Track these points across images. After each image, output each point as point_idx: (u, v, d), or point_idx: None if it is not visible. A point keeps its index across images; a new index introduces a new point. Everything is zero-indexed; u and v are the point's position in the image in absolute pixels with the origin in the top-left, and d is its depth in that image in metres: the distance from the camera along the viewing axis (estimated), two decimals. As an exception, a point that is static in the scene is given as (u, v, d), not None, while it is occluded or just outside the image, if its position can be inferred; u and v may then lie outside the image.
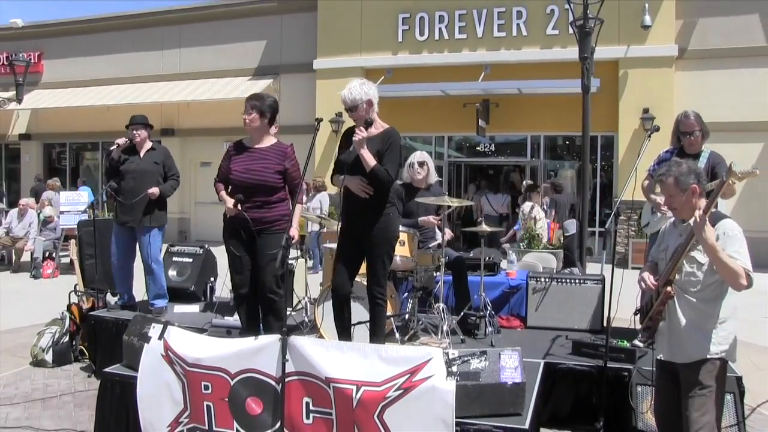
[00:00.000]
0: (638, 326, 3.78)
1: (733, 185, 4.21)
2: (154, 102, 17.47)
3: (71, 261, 8.77)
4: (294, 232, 4.70)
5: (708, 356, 3.30)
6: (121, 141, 6.19)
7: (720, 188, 3.21)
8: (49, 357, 6.21)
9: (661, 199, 5.04)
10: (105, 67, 19.63)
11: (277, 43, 18.03)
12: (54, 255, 12.64)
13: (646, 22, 14.20)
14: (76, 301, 6.54)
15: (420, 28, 16.15)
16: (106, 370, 4.54)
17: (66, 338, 6.31)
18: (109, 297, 6.47)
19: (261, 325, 5.03)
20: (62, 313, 6.49)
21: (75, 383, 5.79)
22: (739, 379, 4.23)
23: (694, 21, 14.60)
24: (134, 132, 6.22)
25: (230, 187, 4.99)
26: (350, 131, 4.63)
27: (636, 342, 4.84)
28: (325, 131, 16.03)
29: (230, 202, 4.86)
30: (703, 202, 3.34)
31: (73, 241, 8.13)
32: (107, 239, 6.50)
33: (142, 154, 6.26)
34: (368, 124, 4.50)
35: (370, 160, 4.42)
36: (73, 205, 12.85)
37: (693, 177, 3.34)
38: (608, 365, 4.51)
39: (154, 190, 6.10)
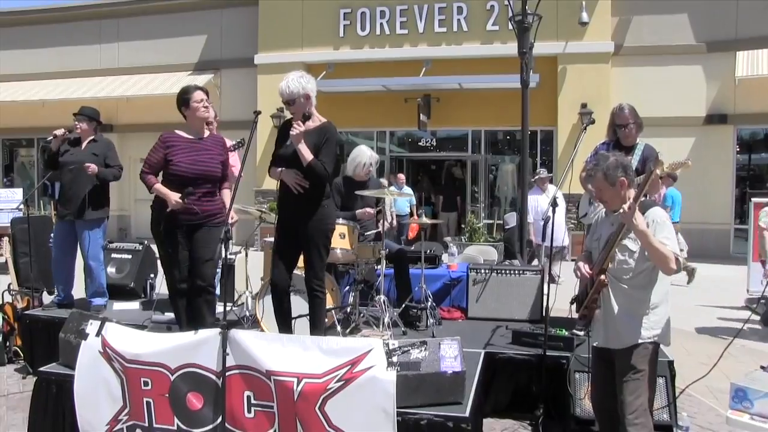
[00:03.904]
0: (576, 315, 3.87)
1: (657, 178, 4.35)
2: (91, 97, 16.82)
3: (5, 260, 8.50)
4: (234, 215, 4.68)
5: (640, 341, 3.42)
6: (59, 132, 6.02)
7: (648, 177, 3.34)
8: (-20, 359, 5.98)
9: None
10: (39, 61, 18.99)
11: (217, 38, 17.80)
12: (-14, 254, 12.20)
13: (584, 19, 14.53)
14: (10, 301, 6.34)
15: (361, 23, 16.18)
16: (42, 369, 4.41)
17: (-1, 339, 6.09)
18: (45, 296, 6.28)
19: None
20: (-6, 313, 6.27)
21: (8, 385, 5.59)
22: (670, 363, 4.40)
23: (629, 19, 15.11)
24: (75, 123, 6.09)
25: (164, 179, 4.74)
26: (288, 124, 4.60)
27: (576, 331, 4.96)
28: (266, 126, 15.88)
29: (174, 195, 4.58)
30: (632, 193, 3.46)
31: (6, 239, 7.87)
32: (42, 237, 6.30)
33: (83, 146, 6.11)
34: (306, 117, 4.49)
35: (307, 154, 4.40)
36: (5, 202, 12.42)
37: (620, 170, 3.46)
38: (547, 354, 4.61)
39: (93, 167, 5.87)
